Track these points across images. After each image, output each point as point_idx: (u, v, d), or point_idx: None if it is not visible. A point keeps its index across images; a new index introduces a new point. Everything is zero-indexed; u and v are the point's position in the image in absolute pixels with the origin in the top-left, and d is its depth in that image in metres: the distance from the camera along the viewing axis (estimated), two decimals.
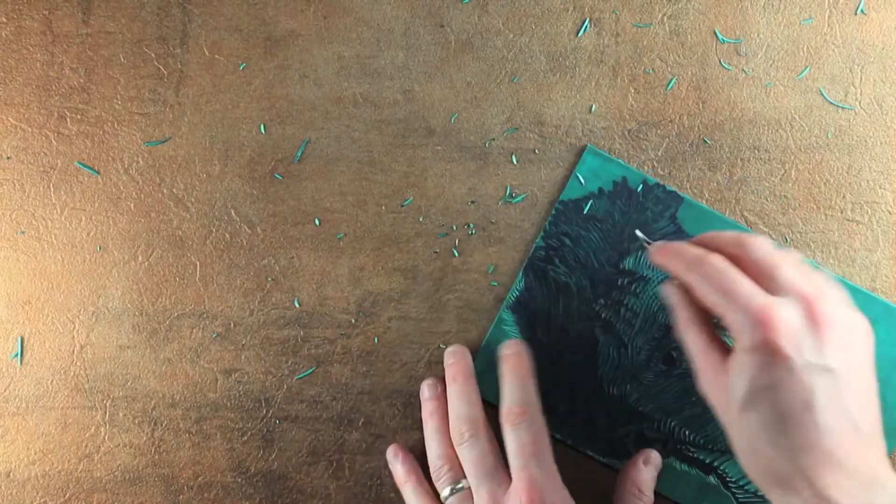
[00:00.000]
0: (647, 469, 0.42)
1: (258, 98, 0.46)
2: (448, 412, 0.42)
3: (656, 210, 0.45)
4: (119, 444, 0.45)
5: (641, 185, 0.45)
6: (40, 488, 0.45)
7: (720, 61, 0.46)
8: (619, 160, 0.45)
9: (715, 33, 0.46)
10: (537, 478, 0.38)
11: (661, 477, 0.43)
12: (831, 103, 0.45)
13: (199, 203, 0.46)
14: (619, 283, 0.45)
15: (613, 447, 0.44)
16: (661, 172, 0.45)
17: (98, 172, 0.46)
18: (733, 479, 0.43)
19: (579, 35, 0.46)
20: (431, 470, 0.42)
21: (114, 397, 0.45)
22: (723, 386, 0.36)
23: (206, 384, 0.45)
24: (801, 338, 0.33)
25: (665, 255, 0.39)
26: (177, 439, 0.45)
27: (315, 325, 0.45)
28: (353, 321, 0.45)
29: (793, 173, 0.45)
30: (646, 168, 0.45)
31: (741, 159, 0.45)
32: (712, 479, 0.43)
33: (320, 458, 0.45)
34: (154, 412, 0.45)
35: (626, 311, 0.44)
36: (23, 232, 0.45)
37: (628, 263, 0.45)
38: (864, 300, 0.43)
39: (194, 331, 0.45)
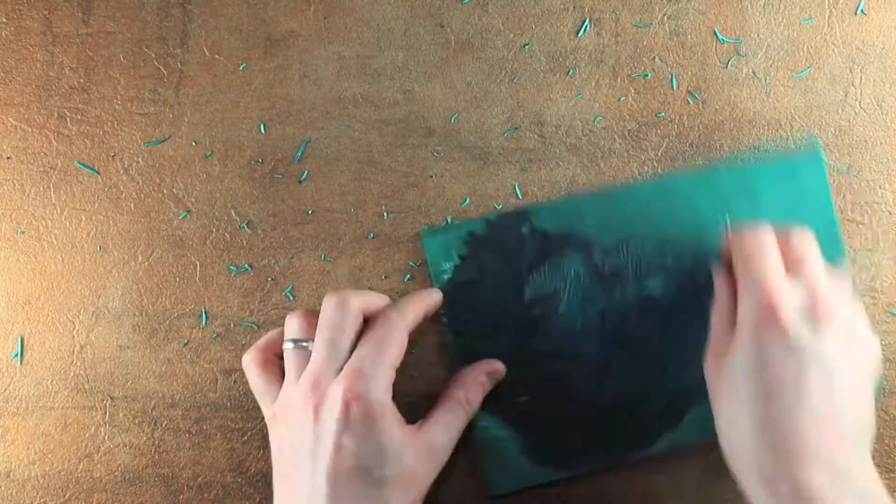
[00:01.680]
0: (485, 381, 0.41)
1: (258, 98, 0.46)
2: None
3: (514, 236, 0.44)
4: (119, 444, 0.45)
5: (485, 227, 0.44)
6: (40, 488, 0.45)
7: (720, 61, 0.46)
8: (452, 223, 0.45)
9: (715, 33, 0.46)
10: (365, 371, 0.36)
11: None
12: (830, 102, 0.45)
13: (199, 203, 0.46)
14: (532, 314, 0.44)
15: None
16: (662, 173, 0.45)
17: (98, 172, 0.46)
18: None
19: (579, 35, 0.46)
20: (289, 315, 0.40)
21: (114, 397, 0.45)
22: (721, 365, 0.36)
23: (206, 384, 0.45)
24: (801, 322, 0.35)
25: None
26: (177, 439, 0.45)
27: None
28: None
29: None
30: (646, 167, 0.45)
31: (741, 159, 0.45)
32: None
33: None
34: (154, 412, 0.45)
35: (550, 331, 0.44)
36: (23, 232, 0.45)
37: (528, 294, 0.44)
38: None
39: (194, 331, 0.45)
